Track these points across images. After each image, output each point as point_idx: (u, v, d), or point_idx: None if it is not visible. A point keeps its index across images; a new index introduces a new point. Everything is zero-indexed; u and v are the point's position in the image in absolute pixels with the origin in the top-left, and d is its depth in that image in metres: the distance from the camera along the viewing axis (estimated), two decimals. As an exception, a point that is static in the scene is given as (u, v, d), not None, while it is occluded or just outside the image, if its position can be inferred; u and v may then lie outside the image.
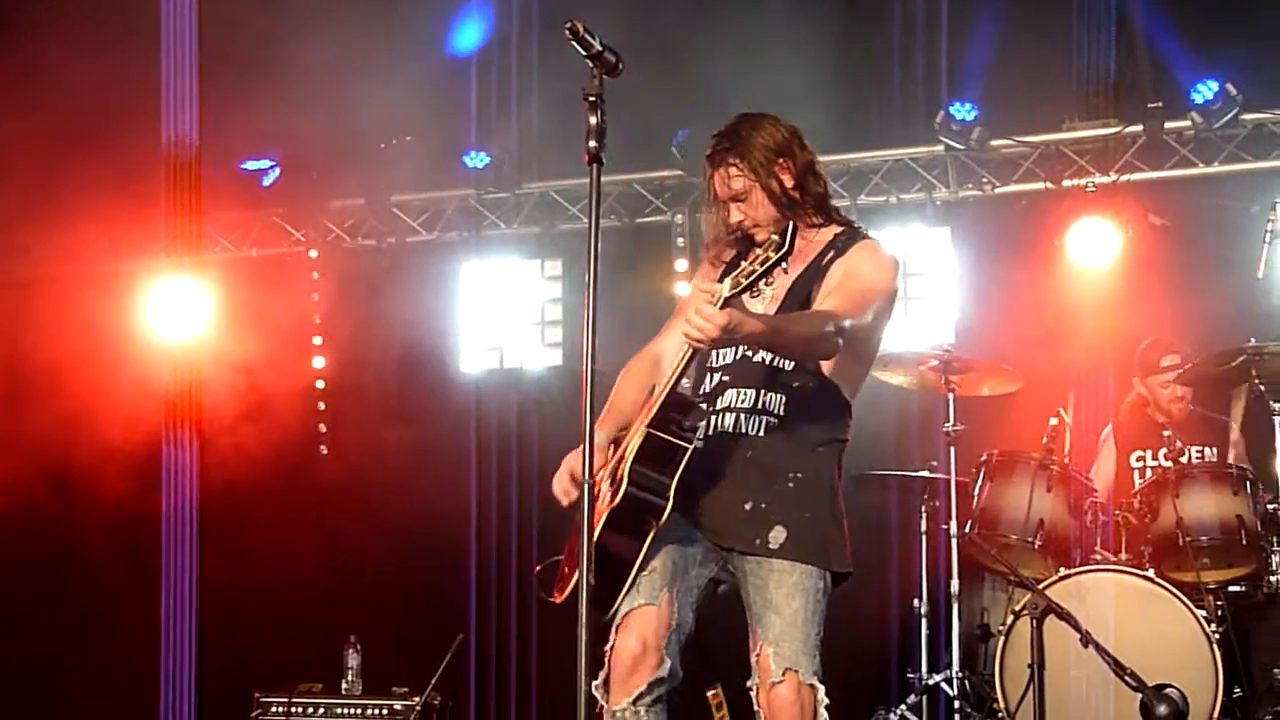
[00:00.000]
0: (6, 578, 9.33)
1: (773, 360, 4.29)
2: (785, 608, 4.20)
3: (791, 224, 4.02)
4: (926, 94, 8.36)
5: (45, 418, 9.05)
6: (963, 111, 8.32)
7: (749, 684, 4.27)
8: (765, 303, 4.30)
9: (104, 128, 8.33)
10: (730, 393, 4.34)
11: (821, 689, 4.21)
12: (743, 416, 4.30)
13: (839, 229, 4.44)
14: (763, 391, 4.30)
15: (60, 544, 9.29)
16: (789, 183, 4.39)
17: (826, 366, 4.32)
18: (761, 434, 4.28)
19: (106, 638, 9.12)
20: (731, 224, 4.41)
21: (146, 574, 9.01)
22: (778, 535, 4.23)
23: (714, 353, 4.37)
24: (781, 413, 4.29)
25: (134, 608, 8.98)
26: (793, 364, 4.29)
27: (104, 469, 8.95)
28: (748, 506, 4.26)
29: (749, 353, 4.32)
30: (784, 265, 4.02)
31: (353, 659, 7.78)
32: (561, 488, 4.29)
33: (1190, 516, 6.57)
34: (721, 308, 3.89)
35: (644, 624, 4.18)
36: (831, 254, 4.37)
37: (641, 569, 4.19)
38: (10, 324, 9.39)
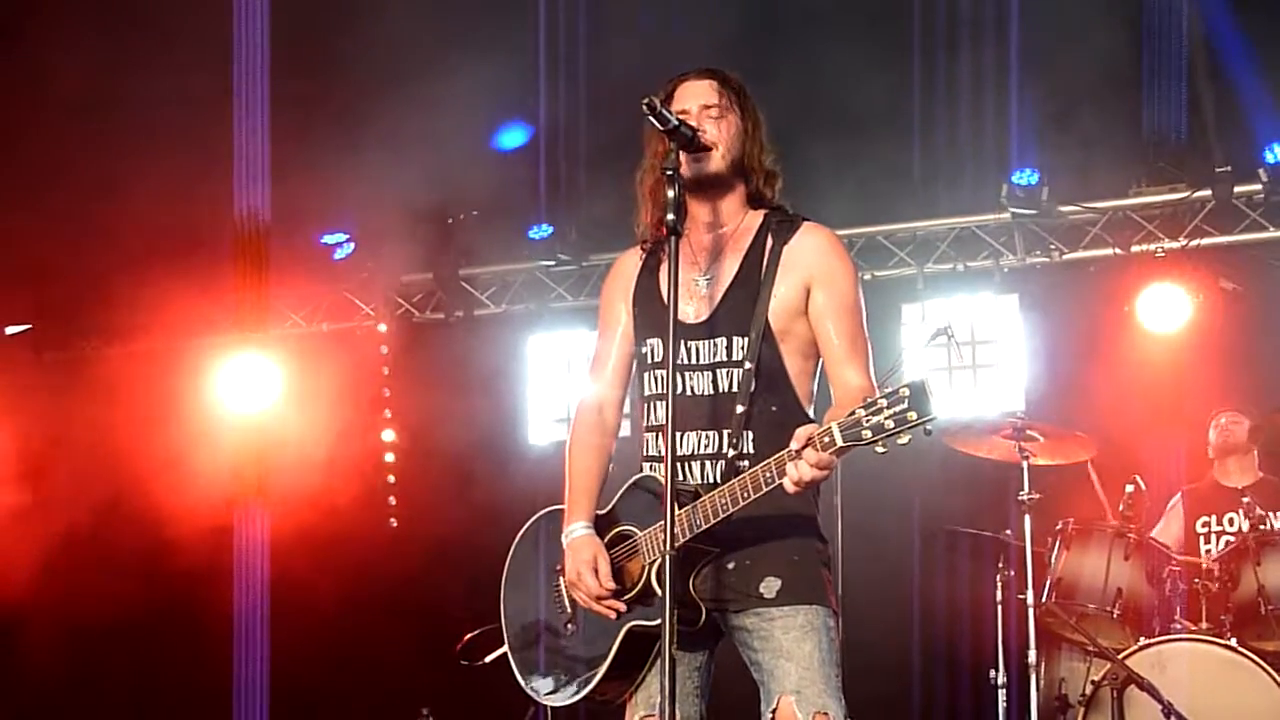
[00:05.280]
0: (78, 649, 9.39)
1: (729, 387, 3.99)
2: (798, 651, 3.89)
3: (924, 380, 3.59)
4: (994, 161, 8.36)
5: (117, 491, 9.14)
6: (1024, 177, 8.32)
7: None
8: (701, 296, 4.06)
9: (176, 204, 8.43)
10: (690, 438, 4.00)
11: None
12: (708, 464, 3.99)
13: (765, 211, 4.14)
14: (725, 431, 3.98)
15: (133, 616, 9.32)
16: (759, 138, 4.13)
17: (799, 387, 4.05)
18: (726, 480, 3.90)
19: (179, 710, 9.15)
20: (693, 126, 3.96)
21: (218, 647, 9.05)
22: (771, 584, 3.93)
23: (654, 378, 4.09)
24: (750, 450, 3.96)
25: (205, 682, 9.01)
26: (752, 387, 3.97)
27: (176, 542, 9.00)
28: (731, 565, 3.96)
29: (697, 388, 4.02)
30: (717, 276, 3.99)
31: (425, 731, 7.79)
32: (594, 591, 4.01)
33: (1272, 584, 6.49)
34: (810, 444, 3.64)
35: None
36: (772, 240, 4.06)
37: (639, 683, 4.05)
38: (84, 398, 9.51)
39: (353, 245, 9.65)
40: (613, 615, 4.01)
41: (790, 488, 3.71)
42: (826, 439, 3.64)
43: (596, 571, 4.02)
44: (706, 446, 4.01)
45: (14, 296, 9.79)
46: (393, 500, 9.66)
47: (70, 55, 8.19)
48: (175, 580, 9.09)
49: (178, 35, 8.08)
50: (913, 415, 3.55)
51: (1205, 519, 7.31)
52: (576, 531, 4.12)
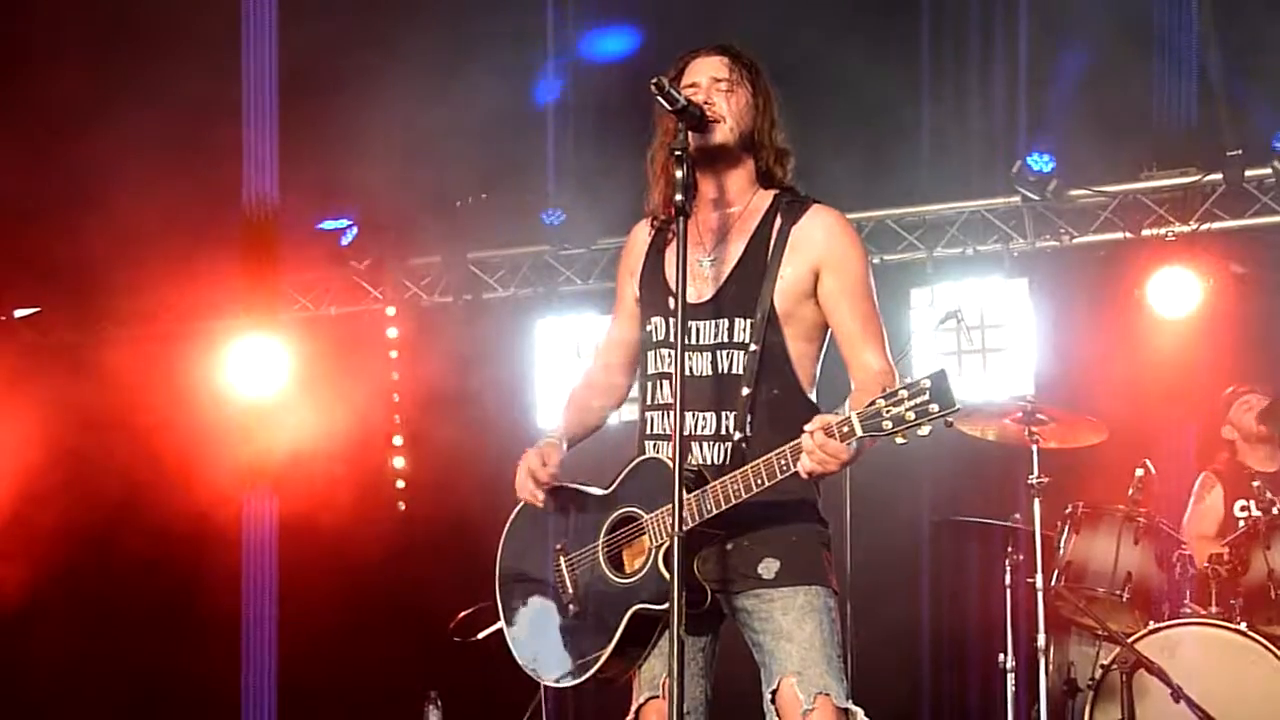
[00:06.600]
0: (83, 634, 9.40)
1: (730, 369, 3.97)
2: (798, 633, 3.87)
3: (945, 371, 3.55)
4: (1003, 145, 8.32)
5: (124, 474, 9.14)
6: (1040, 162, 8.29)
7: None
8: (705, 276, 4.03)
9: (184, 187, 8.42)
10: (687, 418, 3.96)
11: (861, 714, 3.85)
12: (705, 445, 3.97)
13: (775, 191, 4.11)
14: (725, 413, 3.96)
15: (140, 600, 9.34)
16: (771, 115, 4.11)
17: (801, 371, 4.02)
18: (729, 462, 3.90)
19: (186, 697, 9.16)
20: (698, 104, 3.93)
21: (226, 630, 9.06)
22: (770, 565, 3.91)
23: (658, 356, 4.11)
24: (749, 432, 3.92)
25: (213, 664, 9.02)
26: (756, 370, 3.95)
27: (183, 525, 9.00)
28: (730, 547, 3.95)
29: (697, 369, 4.00)
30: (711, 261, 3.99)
31: (434, 715, 7.76)
32: (530, 491, 4.16)
33: (1283, 568, 6.47)
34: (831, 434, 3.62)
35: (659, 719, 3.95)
36: (780, 221, 4.03)
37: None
38: (91, 382, 9.51)
39: (355, 230, 9.63)
40: (540, 499, 4.14)
41: (805, 475, 3.70)
42: (845, 429, 3.62)
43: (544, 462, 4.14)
44: (705, 428, 3.99)
45: (21, 280, 9.79)
46: (401, 484, 9.67)
47: (80, 40, 8.19)
48: (182, 563, 9.10)
49: (186, 19, 8.07)
50: (934, 407, 3.52)
51: (1244, 503, 7.20)
52: (546, 435, 4.26)
